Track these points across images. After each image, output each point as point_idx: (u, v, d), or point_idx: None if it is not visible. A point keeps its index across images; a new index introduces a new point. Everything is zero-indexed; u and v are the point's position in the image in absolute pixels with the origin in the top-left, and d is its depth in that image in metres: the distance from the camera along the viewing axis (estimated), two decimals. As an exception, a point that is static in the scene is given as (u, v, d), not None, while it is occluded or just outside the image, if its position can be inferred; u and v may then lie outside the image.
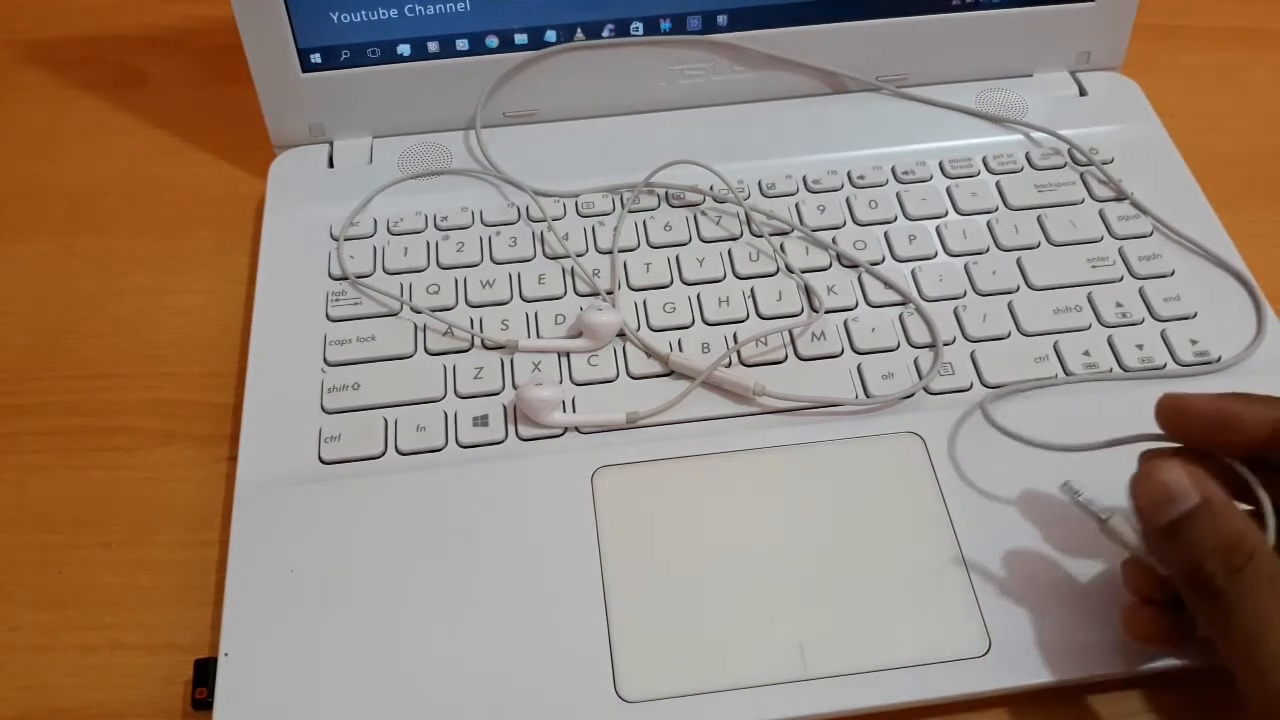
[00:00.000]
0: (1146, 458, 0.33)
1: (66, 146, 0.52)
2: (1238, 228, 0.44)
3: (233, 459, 0.39)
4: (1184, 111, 0.49)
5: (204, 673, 0.34)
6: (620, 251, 0.44)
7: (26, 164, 0.51)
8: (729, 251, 0.44)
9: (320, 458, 0.38)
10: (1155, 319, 0.41)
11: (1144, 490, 0.30)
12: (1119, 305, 0.42)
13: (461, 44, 0.46)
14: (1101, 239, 0.44)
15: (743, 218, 0.45)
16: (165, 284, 0.46)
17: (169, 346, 0.44)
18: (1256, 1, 0.58)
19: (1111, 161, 0.47)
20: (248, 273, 0.46)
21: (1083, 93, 0.49)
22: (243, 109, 0.51)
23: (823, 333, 0.41)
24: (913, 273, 0.43)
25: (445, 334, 0.42)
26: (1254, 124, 0.52)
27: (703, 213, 0.45)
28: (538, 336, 0.42)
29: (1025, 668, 0.33)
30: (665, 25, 0.47)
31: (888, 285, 0.43)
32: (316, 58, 0.46)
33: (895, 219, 0.45)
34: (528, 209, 0.46)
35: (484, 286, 0.43)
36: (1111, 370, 0.40)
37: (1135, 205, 0.45)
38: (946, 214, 0.45)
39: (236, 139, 0.51)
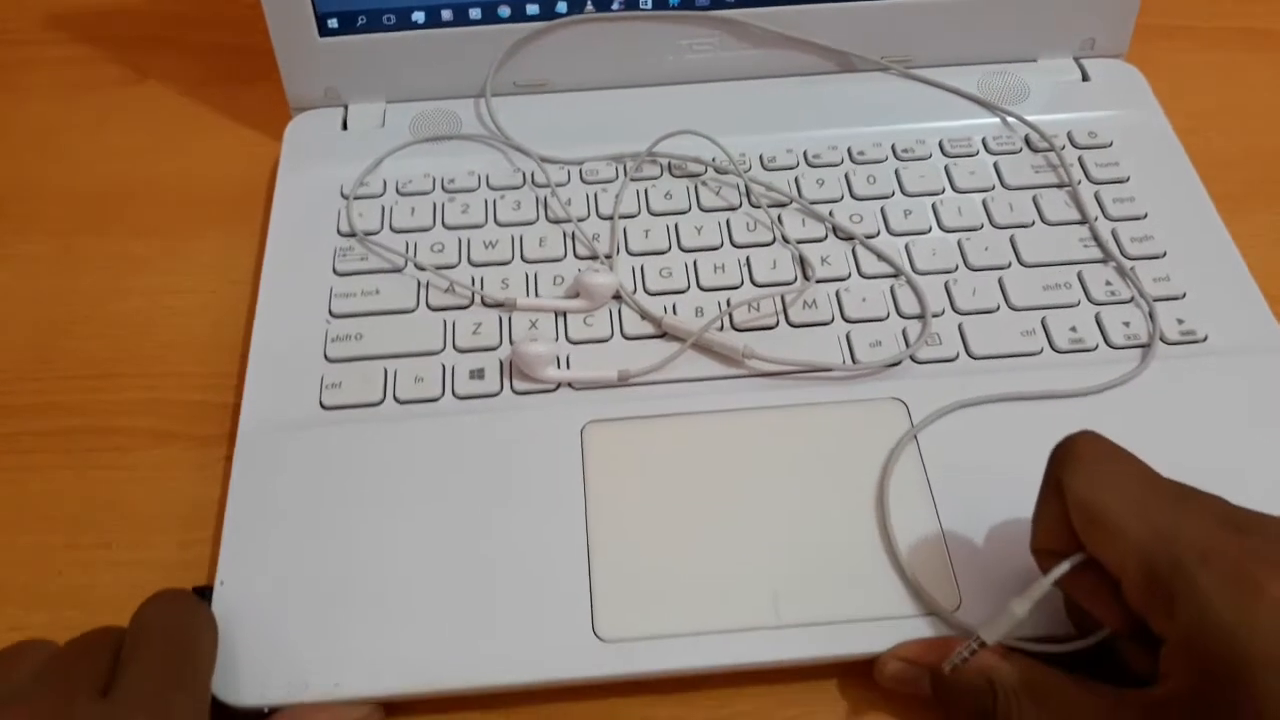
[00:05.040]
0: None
1: (66, 146, 0.52)
2: (1238, 228, 0.44)
3: (231, 459, 0.39)
4: (1184, 111, 0.49)
5: (200, 599, 0.35)
6: (621, 218, 0.45)
7: (26, 164, 0.51)
8: (727, 221, 0.45)
9: (321, 403, 0.40)
10: (1144, 298, 0.42)
11: (894, 689, 0.34)
12: (1108, 284, 0.42)
13: (474, 13, 0.47)
14: (1096, 219, 0.45)
15: (742, 189, 0.46)
16: (165, 284, 0.46)
17: (169, 346, 0.44)
18: (1256, 1, 0.58)
19: (1110, 145, 0.47)
20: (248, 273, 0.46)
21: (1085, 78, 0.50)
22: (243, 108, 0.52)
23: (814, 300, 0.42)
24: (906, 246, 0.44)
25: (447, 290, 0.43)
26: (1254, 124, 0.52)
27: (703, 183, 0.46)
28: (536, 296, 0.43)
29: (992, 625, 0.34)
30: (674, 0, 0.48)
31: (881, 257, 0.43)
32: (334, 23, 0.47)
33: (892, 194, 0.46)
34: (533, 174, 0.47)
35: (486, 247, 0.44)
36: (1097, 347, 0.41)
37: (1130, 187, 0.46)
38: (943, 191, 0.46)
39: (237, 139, 0.51)
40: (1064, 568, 0.30)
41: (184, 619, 0.32)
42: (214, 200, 0.49)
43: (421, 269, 0.43)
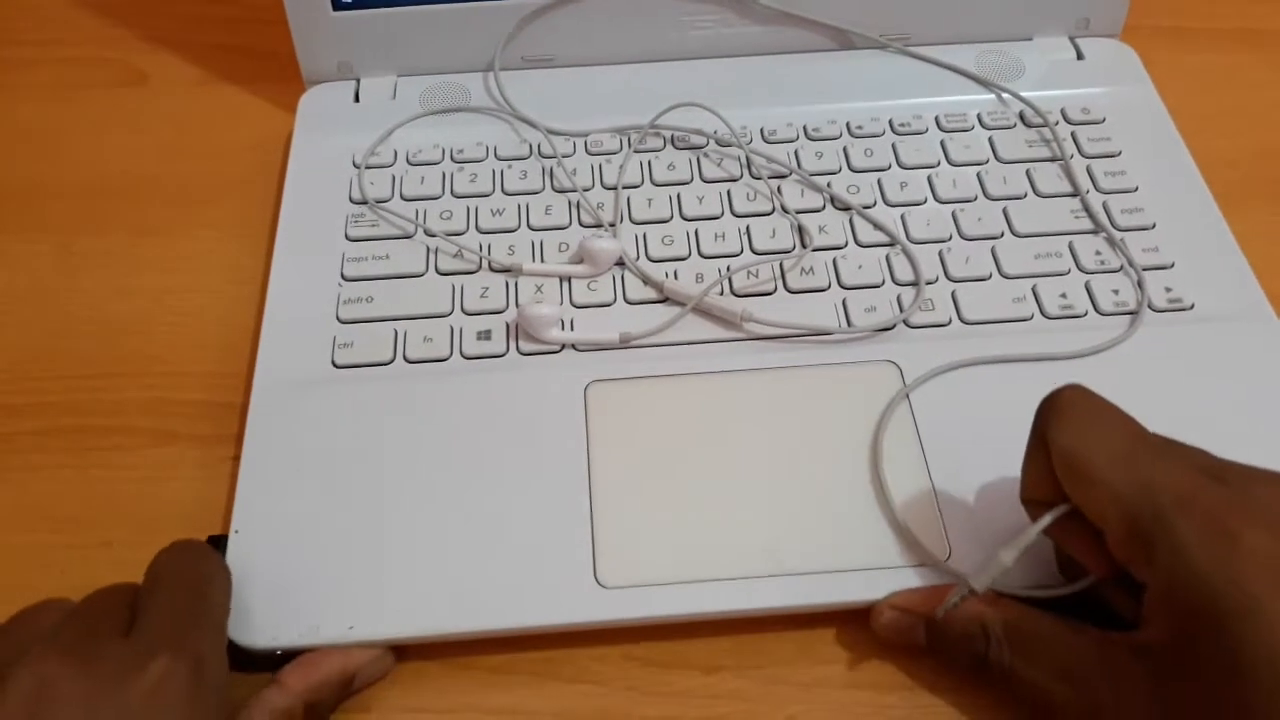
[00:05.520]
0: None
1: (66, 146, 0.52)
2: (1238, 226, 0.45)
3: (235, 459, 0.39)
4: (1184, 111, 0.49)
5: (216, 548, 0.37)
6: (625, 188, 0.46)
7: (26, 164, 0.51)
8: (728, 192, 0.46)
9: (333, 362, 0.41)
10: (1133, 267, 0.43)
11: (890, 642, 0.35)
12: (1098, 254, 0.44)
13: (484, -12, 0.49)
14: (1088, 192, 0.46)
15: (743, 160, 0.47)
16: (167, 284, 0.46)
17: (171, 346, 0.44)
18: (1256, 1, 0.58)
19: (1103, 121, 0.48)
20: (251, 273, 0.46)
21: (1080, 57, 0.51)
22: (243, 108, 0.53)
23: (811, 268, 0.43)
24: (902, 216, 0.45)
25: (455, 256, 0.44)
26: (1254, 124, 0.52)
27: (705, 155, 0.48)
28: (541, 261, 0.44)
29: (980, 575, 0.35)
30: (678, -23, 0.49)
31: (877, 226, 0.45)
32: (347, -3, 0.49)
33: (889, 167, 0.47)
34: (539, 146, 0.48)
35: (494, 215, 0.46)
36: (1087, 313, 0.42)
37: (1121, 161, 0.47)
38: (939, 164, 0.47)
39: (238, 138, 0.51)
40: (1048, 519, 0.31)
41: (197, 565, 0.33)
42: (214, 200, 0.49)
43: (431, 235, 0.45)
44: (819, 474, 0.37)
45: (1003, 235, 0.44)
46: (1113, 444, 0.30)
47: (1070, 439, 0.30)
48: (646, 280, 0.43)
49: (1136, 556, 0.29)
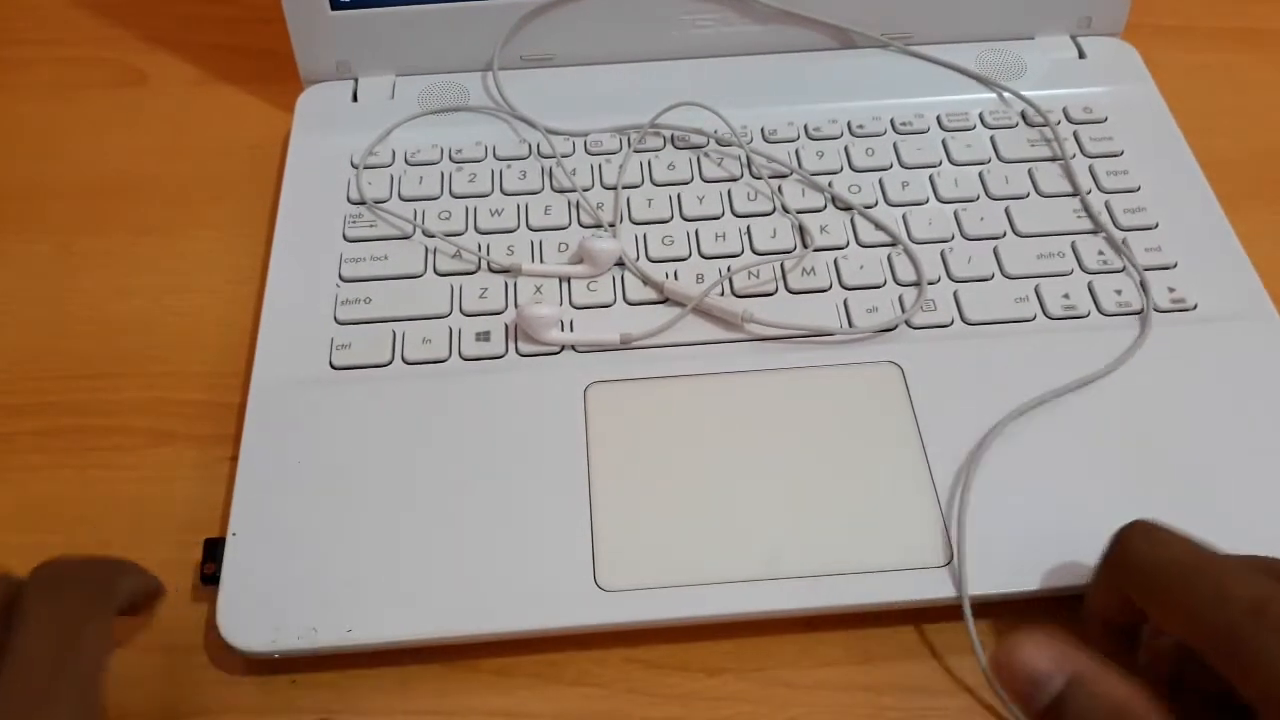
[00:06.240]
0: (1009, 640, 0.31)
1: (66, 146, 0.52)
2: (1239, 226, 0.44)
3: (234, 459, 0.39)
4: (1184, 111, 0.49)
5: (213, 551, 0.36)
6: (624, 188, 0.46)
7: (26, 164, 0.51)
8: (729, 191, 0.46)
9: (331, 363, 0.41)
10: (1136, 268, 0.43)
11: (1006, 679, 0.28)
12: (1101, 254, 0.43)
13: (483, -13, 0.49)
14: (1090, 192, 0.45)
15: (744, 160, 0.47)
16: (166, 284, 0.46)
17: (170, 347, 0.44)
18: (1256, 1, 0.58)
19: (1105, 120, 0.48)
20: (250, 273, 0.46)
21: (1081, 56, 0.51)
22: (242, 107, 0.52)
23: (812, 268, 0.43)
24: (904, 216, 0.45)
25: (454, 256, 0.44)
26: (1256, 123, 0.52)
27: (706, 154, 0.47)
28: (541, 262, 0.44)
29: (979, 580, 0.35)
30: (678, -24, 0.49)
31: (878, 226, 0.44)
32: (346, -4, 0.48)
33: (890, 166, 0.47)
34: (539, 146, 0.48)
35: (493, 215, 0.45)
36: (1089, 314, 0.42)
37: (1123, 161, 0.47)
38: (940, 164, 0.47)
39: (236, 138, 0.51)
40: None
41: (74, 611, 0.30)
42: (214, 200, 0.49)
43: (429, 235, 0.45)
44: (820, 476, 0.37)
45: (1005, 235, 0.44)
46: (1183, 559, 0.30)
47: (1145, 560, 0.30)
48: (646, 281, 0.43)
49: (1230, 668, 0.28)
